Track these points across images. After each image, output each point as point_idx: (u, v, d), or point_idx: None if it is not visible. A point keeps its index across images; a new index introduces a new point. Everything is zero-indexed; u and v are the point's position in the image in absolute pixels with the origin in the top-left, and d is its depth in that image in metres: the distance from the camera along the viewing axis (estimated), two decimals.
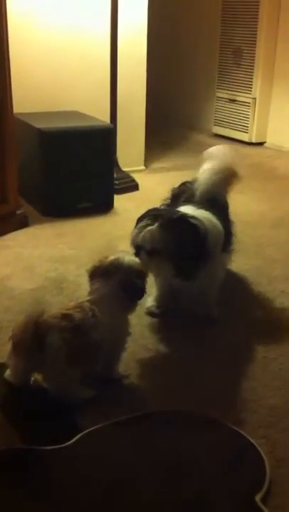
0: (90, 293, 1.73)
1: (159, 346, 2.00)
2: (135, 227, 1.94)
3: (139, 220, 1.95)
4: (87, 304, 1.66)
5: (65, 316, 1.61)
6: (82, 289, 2.35)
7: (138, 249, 1.92)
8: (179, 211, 2.01)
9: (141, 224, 1.92)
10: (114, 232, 3.00)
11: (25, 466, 1.43)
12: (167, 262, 1.90)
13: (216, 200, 2.20)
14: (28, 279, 2.44)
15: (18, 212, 3.00)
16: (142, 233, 1.88)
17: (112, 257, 1.73)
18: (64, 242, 2.87)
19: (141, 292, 1.73)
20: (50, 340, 1.56)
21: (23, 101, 3.46)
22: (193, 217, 1.96)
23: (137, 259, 1.79)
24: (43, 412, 1.63)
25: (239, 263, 2.58)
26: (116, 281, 1.68)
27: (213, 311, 2.16)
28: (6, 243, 2.81)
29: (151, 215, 1.93)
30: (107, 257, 1.73)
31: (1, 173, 2.83)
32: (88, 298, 1.71)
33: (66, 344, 1.56)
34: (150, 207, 2.76)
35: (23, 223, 3.00)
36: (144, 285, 1.76)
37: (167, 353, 1.98)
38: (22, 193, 3.09)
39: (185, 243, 1.89)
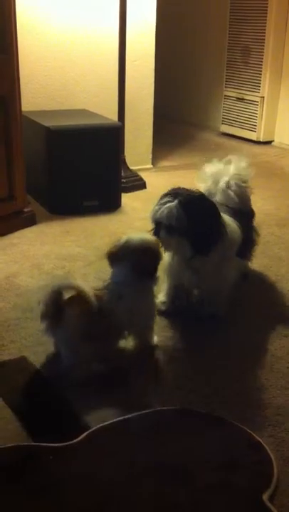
0: (111, 277, 1.84)
1: (168, 343, 2.00)
2: (156, 204, 1.99)
3: (161, 197, 2.00)
4: (107, 287, 1.80)
5: (84, 297, 1.71)
6: (87, 287, 2.36)
7: (157, 225, 1.97)
8: (199, 191, 2.05)
9: (161, 201, 1.97)
10: (122, 230, 2.99)
11: (32, 463, 1.43)
12: (184, 238, 1.94)
13: (240, 207, 2.25)
14: (36, 277, 2.44)
15: (25, 210, 3.01)
16: (162, 209, 1.93)
17: (123, 240, 1.82)
18: (71, 240, 2.87)
19: (153, 271, 1.82)
20: (67, 315, 1.70)
21: (32, 99, 3.48)
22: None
23: (147, 238, 1.85)
24: (51, 408, 1.64)
25: None
26: (128, 266, 1.79)
27: (219, 311, 2.16)
28: (14, 241, 2.81)
29: (172, 193, 1.97)
30: (120, 240, 1.83)
31: (8, 171, 2.84)
32: (108, 281, 1.82)
33: (80, 321, 1.69)
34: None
35: (30, 221, 3.01)
36: (156, 262, 1.83)
37: (175, 351, 1.98)
38: (30, 191, 3.10)
39: (202, 220, 1.94)
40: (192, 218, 1.91)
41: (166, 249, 2.00)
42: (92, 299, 1.70)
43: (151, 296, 1.88)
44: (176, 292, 2.19)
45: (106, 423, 1.58)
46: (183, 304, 2.20)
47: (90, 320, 1.69)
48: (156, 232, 1.97)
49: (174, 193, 1.96)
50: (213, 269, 2.06)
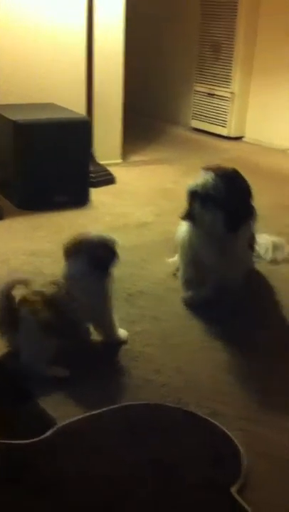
0: (65, 271, 1.83)
1: (139, 337, 1.98)
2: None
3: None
4: (62, 281, 1.79)
5: (37, 292, 1.75)
6: None
7: (192, 195, 1.98)
8: (234, 168, 2.04)
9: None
10: (91, 226, 2.96)
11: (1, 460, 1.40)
12: (218, 210, 1.94)
13: None
14: (3, 273, 2.39)
15: None
16: (198, 180, 1.95)
17: (80, 235, 1.86)
18: (40, 235, 2.83)
19: (108, 266, 1.84)
20: (22, 314, 1.71)
21: None
22: None
23: (105, 235, 1.86)
24: (17, 405, 1.60)
25: None
26: (84, 259, 1.79)
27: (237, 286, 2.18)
28: None
29: (207, 168, 1.99)
30: (75, 237, 1.85)
31: None
32: (63, 275, 1.82)
33: (37, 317, 1.70)
34: (127, 200, 2.75)
35: None
36: (112, 257, 1.84)
37: (146, 345, 1.95)
38: None
39: (237, 193, 1.97)
40: (228, 189, 1.93)
41: (199, 223, 2.00)
42: (45, 292, 1.74)
43: (106, 290, 1.86)
44: (192, 273, 2.19)
45: (74, 419, 1.55)
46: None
47: (45, 315, 1.71)
48: (190, 202, 1.98)
49: (211, 168, 1.98)
50: (241, 252, 2.07)
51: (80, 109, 3.50)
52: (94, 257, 1.80)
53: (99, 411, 1.58)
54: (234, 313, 2.17)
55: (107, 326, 1.90)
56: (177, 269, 2.37)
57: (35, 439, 1.45)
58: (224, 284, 2.18)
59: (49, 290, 1.76)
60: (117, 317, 1.93)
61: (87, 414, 1.57)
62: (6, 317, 1.74)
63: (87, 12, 3.41)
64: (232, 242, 2.04)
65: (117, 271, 2.40)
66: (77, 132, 3.18)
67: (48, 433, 1.48)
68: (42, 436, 1.47)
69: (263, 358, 1.91)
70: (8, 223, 2.94)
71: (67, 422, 1.53)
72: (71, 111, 3.35)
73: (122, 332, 1.95)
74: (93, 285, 1.81)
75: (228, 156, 4.47)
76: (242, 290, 2.25)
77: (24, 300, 1.74)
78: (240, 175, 2.05)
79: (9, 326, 1.75)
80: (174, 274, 2.41)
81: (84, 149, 3.25)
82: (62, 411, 1.58)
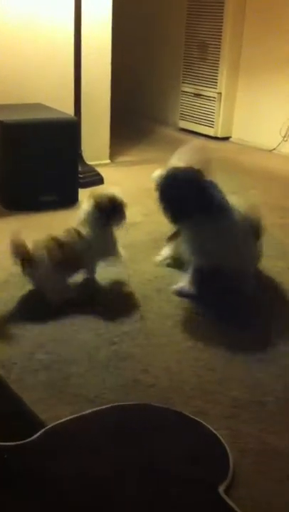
0: (79, 216, 2.22)
1: (127, 338, 1.99)
2: None
3: None
4: (72, 227, 2.18)
5: (52, 238, 2.15)
6: None
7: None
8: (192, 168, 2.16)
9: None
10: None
11: None
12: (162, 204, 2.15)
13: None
14: None
15: None
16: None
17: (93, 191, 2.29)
18: (27, 235, 2.80)
19: (113, 212, 2.19)
20: (38, 257, 2.10)
21: None
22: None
23: (113, 193, 2.22)
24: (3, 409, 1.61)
25: None
26: (92, 204, 2.18)
27: (248, 288, 2.27)
28: None
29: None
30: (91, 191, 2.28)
31: None
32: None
33: (51, 258, 2.09)
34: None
35: None
36: (118, 207, 2.21)
37: (134, 346, 1.97)
38: None
39: (172, 190, 2.13)
40: (163, 189, 2.14)
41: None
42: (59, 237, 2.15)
43: (110, 235, 2.23)
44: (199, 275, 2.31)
45: (62, 420, 1.55)
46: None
47: (59, 256, 2.10)
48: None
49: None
50: (221, 240, 2.14)
51: (67, 109, 3.50)
52: (100, 206, 2.16)
53: (87, 412, 1.59)
54: (221, 312, 2.20)
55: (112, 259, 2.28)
56: (169, 259, 2.54)
57: (23, 441, 1.46)
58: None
59: (62, 236, 2.15)
60: (105, 317, 1.99)
61: (76, 415, 1.58)
62: (26, 264, 2.09)
63: (75, 12, 3.42)
64: (203, 230, 2.15)
65: (106, 271, 2.45)
66: (65, 132, 3.19)
67: (37, 435, 1.48)
68: (30, 438, 1.47)
69: (250, 357, 1.93)
70: None
71: (55, 423, 1.53)
72: (59, 111, 3.36)
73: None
74: (98, 228, 2.17)
75: (215, 156, 4.48)
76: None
77: (39, 245, 2.12)
78: (185, 172, 2.15)
79: (29, 269, 2.10)
80: (167, 265, 2.55)
81: (72, 149, 3.26)
82: (51, 413, 1.58)
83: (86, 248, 2.16)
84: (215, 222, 2.11)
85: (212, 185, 2.12)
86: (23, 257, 2.09)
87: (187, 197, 2.10)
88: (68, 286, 2.20)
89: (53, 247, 2.12)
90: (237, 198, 2.22)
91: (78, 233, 2.17)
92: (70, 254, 2.13)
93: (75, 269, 2.22)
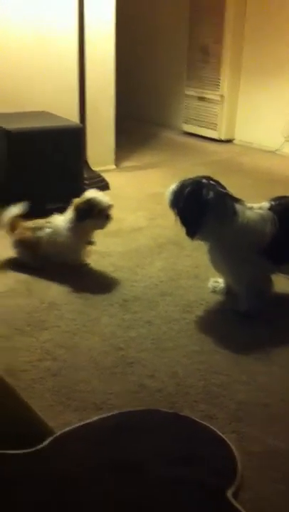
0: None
1: (132, 343, 2.02)
2: None
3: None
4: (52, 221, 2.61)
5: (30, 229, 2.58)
6: (52, 290, 2.37)
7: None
8: (201, 179, 2.15)
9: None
10: None
11: None
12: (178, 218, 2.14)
13: None
14: (1, 281, 2.43)
15: None
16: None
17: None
18: None
19: (83, 214, 2.47)
20: (16, 244, 2.62)
21: None
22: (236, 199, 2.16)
23: (93, 195, 2.51)
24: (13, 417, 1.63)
25: None
26: (72, 208, 2.52)
27: (240, 306, 2.22)
28: None
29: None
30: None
31: None
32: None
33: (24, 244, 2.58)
34: (120, 205, 2.82)
35: None
36: (91, 208, 2.47)
37: (141, 350, 1.99)
38: None
39: (184, 203, 2.10)
40: (178, 200, 2.12)
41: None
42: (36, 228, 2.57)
43: (78, 233, 2.51)
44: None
45: (70, 428, 1.57)
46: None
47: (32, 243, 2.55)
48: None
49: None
50: (219, 257, 2.18)
51: (72, 116, 3.54)
52: (77, 205, 2.49)
53: (95, 419, 1.61)
54: (229, 317, 2.22)
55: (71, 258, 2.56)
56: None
57: (32, 449, 1.48)
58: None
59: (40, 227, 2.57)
60: (112, 322, 2.00)
61: (84, 422, 1.60)
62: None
63: (78, 19, 3.45)
64: (208, 244, 2.21)
65: (113, 277, 2.48)
66: (70, 140, 3.22)
67: (46, 443, 1.50)
68: (39, 446, 1.49)
69: (255, 361, 1.95)
70: (2, 232, 2.96)
71: (63, 431, 1.55)
72: (64, 118, 3.39)
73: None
74: (70, 228, 2.50)
75: (218, 158, 4.51)
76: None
77: (18, 234, 2.56)
78: (197, 183, 2.12)
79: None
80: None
81: (77, 156, 3.29)
82: (59, 420, 1.61)
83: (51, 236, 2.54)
84: (215, 234, 2.13)
85: (218, 195, 2.09)
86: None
87: (193, 209, 2.10)
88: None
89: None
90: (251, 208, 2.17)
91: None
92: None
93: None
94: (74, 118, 3.55)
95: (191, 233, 2.13)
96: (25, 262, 2.57)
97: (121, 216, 3.09)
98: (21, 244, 2.57)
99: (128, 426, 1.61)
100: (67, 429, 1.56)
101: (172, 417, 1.65)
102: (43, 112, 3.56)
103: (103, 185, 3.69)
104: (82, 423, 1.59)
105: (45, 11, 3.58)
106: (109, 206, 2.48)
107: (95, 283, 2.45)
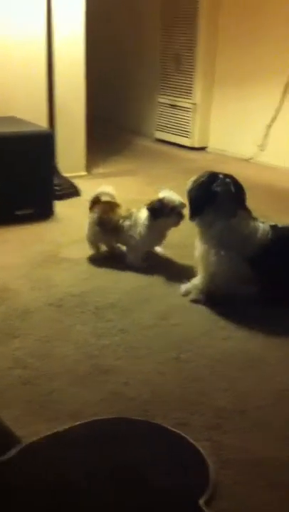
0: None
1: (107, 351, 1.96)
2: None
3: None
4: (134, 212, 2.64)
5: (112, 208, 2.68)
6: (23, 297, 2.30)
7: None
8: (219, 174, 2.31)
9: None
10: (56, 239, 2.95)
11: None
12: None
13: None
14: None
15: None
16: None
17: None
18: (4, 249, 2.79)
19: (157, 213, 2.54)
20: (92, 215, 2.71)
21: None
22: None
23: (169, 196, 2.55)
24: None
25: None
26: (148, 207, 2.57)
27: (198, 297, 2.33)
28: None
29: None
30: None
31: None
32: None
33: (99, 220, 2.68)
34: None
35: None
36: (163, 209, 2.53)
37: (116, 359, 1.94)
38: None
39: (195, 192, 2.29)
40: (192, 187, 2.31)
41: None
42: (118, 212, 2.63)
43: (148, 230, 2.57)
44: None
45: (39, 437, 1.52)
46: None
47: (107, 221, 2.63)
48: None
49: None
50: (203, 244, 2.29)
51: (42, 122, 3.49)
52: (151, 204, 2.54)
53: (64, 428, 1.56)
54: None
55: (132, 253, 2.64)
56: None
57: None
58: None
59: (122, 212, 2.62)
60: (86, 330, 1.94)
61: (53, 432, 1.55)
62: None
63: (47, 24, 3.41)
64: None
65: (86, 284, 2.43)
66: (39, 145, 3.16)
67: (13, 452, 1.45)
68: (6, 456, 1.44)
69: (232, 367, 1.91)
70: None
71: (32, 441, 1.50)
72: (33, 124, 3.33)
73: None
74: (145, 224, 2.56)
75: (194, 165, 4.50)
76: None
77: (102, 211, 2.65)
78: (209, 176, 2.30)
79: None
80: None
81: (47, 162, 3.23)
82: (30, 429, 1.55)
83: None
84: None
85: (225, 192, 2.24)
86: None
87: (199, 196, 2.27)
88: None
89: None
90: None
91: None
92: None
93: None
94: (44, 124, 3.50)
95: (192, 215, 2.29)
96: (91, 242, 2.70)
97: None
98: (102, 223, 2.63)
99: (98, 435, 1.57)
100: (35, 438, 1.51)
101: (143, 425, 1.61)
102: (11, 117, 3.50)
103: (74, 192, 3.64)
104: (51, 432, 1.54)
105: (13, 13, 3.53)
106: (182, 204, 2.50)
107: (68, 290, 2.39)
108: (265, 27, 4.49)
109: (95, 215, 2.65)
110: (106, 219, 2.63)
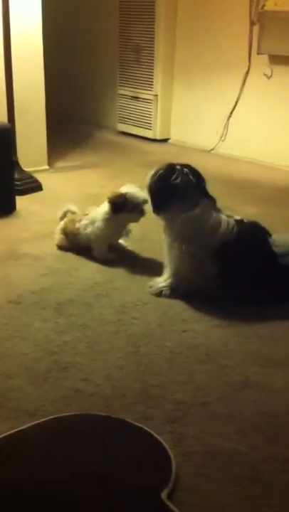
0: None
1: (67, 347, 1.96)
2: None
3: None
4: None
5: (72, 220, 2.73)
6: None
7: None
8: (176, 165, 2.32)
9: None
10: (18, 235, 2.92)
11: None
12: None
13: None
14: None
15: None
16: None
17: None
18: None
19: (116, 207, 2.56)
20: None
21: None
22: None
23: (130, 191, 2.55)
24: None
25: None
26: (108, 202, 2.59)
27: (164, 289, 2.33)
28: None
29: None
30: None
31: None
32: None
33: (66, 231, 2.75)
34: (56, 207, 2.76)
35: None
36: (121, 202, 2.54)
37: (75, 354, 1.93)
38: None
39: (156, 185, 2.29)
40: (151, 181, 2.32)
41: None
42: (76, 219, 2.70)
43: (108, 223, 2.60)
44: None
45: (4, 435, 1.51)
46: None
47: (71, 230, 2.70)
48: None
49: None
50: (166, 237, 2.30)
51: (1, 117, 3.44)
52: (114, 202, 2.55)
53: (26, 426, 1.56)
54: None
55: (96, 247, 2.67)
56: None
57: None
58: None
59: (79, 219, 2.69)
60: (45, 327, 1.93)
61: (14, 430, 1.54)
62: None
63: (3, 18, 3.36)
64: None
65: (46, 280, 2.41)
66: None
67: None
68: None
69: (191, 359, 1.92)
70: None
71: None
72: None
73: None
74: (105, 218, 2.59)
75: (155, 158, 4.49)
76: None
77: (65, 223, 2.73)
78: (169, 169, 2.30)
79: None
80: None
81: (6, 157, 3.19)
82: None
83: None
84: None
85: (184, 183, 2.24)
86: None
87: (159, 189, 2.27)
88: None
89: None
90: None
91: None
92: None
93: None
94: (3, 118, 3.45)
95: (155, 210, 2.31)
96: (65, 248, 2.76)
97: (56, 218, 3.02)
98: (64, 233, 2.73)
99: (60, 432, 1.56)
100: None
101: (105, 420, 1.61)
102: None
103: (35, 186, 3.60)
104: (13, 431, 1.54)
105: None
106: (144, 201, 2.50)
107: (27, 287, 2.37)
108: (225, 18, 4.50)
109: (61, 226, 2.77)
110: (67, 229, 2.72)
